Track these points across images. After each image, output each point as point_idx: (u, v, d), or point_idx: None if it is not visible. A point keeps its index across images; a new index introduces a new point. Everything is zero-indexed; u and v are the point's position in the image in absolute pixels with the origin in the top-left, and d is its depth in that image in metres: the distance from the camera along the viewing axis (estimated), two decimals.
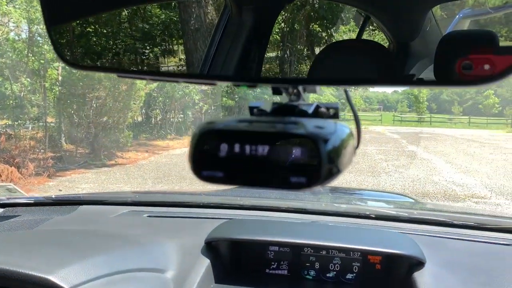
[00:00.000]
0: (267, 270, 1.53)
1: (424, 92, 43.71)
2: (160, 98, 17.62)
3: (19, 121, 12.16)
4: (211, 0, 1.15)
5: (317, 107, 0.55)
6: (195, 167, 0.50)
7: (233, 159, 0.48)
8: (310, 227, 1.64)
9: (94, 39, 0.88)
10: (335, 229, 1.64)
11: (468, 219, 1.78)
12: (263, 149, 0.47)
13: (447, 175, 10.64)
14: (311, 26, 1.48)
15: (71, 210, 1.89)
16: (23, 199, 2.01)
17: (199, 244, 1.50)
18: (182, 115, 19.31)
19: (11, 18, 11.19)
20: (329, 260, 1.49)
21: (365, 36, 1.20)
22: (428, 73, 0.86)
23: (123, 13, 0.99)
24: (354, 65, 0.78)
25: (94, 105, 12.69)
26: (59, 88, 12.24)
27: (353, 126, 0.59)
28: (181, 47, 1.18)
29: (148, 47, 1.06)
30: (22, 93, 12.25)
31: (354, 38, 1.25)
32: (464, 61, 0.56)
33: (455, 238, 1.59)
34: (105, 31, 0.91)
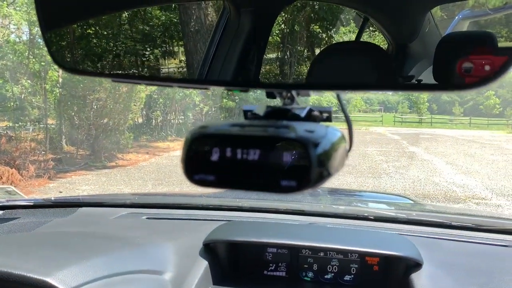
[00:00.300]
0: (265, 272, 1.52)
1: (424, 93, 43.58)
2: (161, 100, 17.64)
3: (20, 123, 12.18)
4: (211, 2, 1.14)
5: (310, 110, 0.56)
6: (187, 170, 0.51)
7: (224, 162, 0.49)
8: (308, 229, 1.64)
9: (94, 41, 0.88)
10: (333, 230, 1.64)
11: (466, 220, 1.78)
12: (254, 153, 0.48)
13: (447, 176, 10.62)
14: (311, 27, 1.48)
15: (70, 212, 1.89)
16: (22, 201, 2.01)
17: (197, 246, 1.50)
18: (182, 117, 19.32)
19: (12, 20, 11.22)
20: (327, 262, 1.49)
21: (365, 37, 1.20)
22: (427, 74, 0.86)
23: (123, 15, 0.99)
24: (352, 69, 0.78)
25: (95, 106, 12.70)
26: (60, 90, 12.25)
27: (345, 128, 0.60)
28: (181, 49, 1.18)
29: (148, 49, 1.06)
30: (23, 95, 12.27)
31: (354, 39, 1.25)
32: (465, 62, 0.56)
33: (452, 240, 1.59)
34: (105, 32, 0.90)
